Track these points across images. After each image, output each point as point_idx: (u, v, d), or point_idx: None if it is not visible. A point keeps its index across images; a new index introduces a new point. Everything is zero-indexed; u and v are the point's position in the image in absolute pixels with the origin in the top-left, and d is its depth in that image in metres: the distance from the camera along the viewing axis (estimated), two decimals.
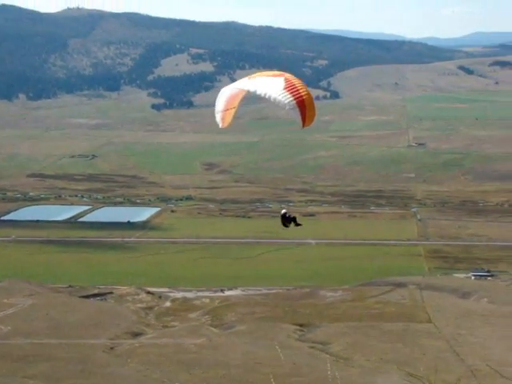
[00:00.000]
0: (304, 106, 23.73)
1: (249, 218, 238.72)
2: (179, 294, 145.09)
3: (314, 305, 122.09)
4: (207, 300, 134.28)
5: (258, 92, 24.36)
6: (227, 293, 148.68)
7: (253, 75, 26.02)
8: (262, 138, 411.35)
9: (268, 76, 24.80)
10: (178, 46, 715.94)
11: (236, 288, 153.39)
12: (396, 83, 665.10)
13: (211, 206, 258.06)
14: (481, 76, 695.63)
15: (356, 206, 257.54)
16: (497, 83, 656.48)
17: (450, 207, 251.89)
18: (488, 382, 68.57)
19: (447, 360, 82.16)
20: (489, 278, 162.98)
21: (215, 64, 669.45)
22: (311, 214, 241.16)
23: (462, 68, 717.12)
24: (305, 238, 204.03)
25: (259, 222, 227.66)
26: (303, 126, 24.46)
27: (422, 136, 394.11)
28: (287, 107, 23.80)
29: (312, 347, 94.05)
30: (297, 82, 24.06)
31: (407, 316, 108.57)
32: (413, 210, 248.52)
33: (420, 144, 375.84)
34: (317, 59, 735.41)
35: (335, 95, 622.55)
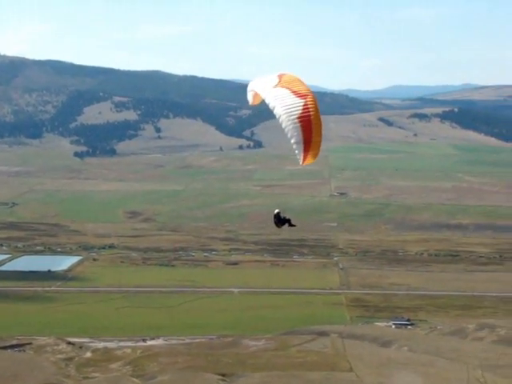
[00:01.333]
0: (309, 144, 23.61)
1: (172, 266, 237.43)
2: (100, 345, 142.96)
3: (236, 354, 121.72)
4: (129, 350, 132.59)
5: (275, 111, 24.75)
6: (149, 342, 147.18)
7: (283, 80, 25.49)
8: (185, 186, 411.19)
9: (291, 92, 24.61)
10: (101, 93, 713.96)
11: (158, 338, 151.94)
12: None
13: (134, 254, 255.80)
14: (400, 128, 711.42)
15: (279, 254, 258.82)
16: (415, 135, 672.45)
17: (371, 256, 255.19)
18: None
19: None
20: (409, 327, 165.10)
21: (139, 112, 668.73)
22: (234, 263, 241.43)
23: (382, 120, 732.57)
24: (228, 286, 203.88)
25: (182, 271, 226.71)
26: (302, 163, 24.42)
27: (344, 186, 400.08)
28: (293, 142, 23.84)
29: None
30: (313, 112, 23.89)
31: (329, 365, 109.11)
32: (335, 258, 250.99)
33: (342, 194, 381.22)
34: (240, 109, 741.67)
35: (258, 145, 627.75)
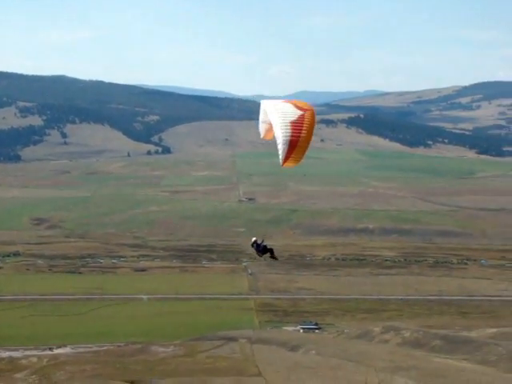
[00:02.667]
0: (293, 147, 23.41)
1: (79, 273, 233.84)
2: (5, 354, 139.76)
3: (145, 361, 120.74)
4: (35, 359, 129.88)
5: (272, 120, 24.23)
6: (56, 351, 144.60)
7: (284, 102, 25.47)
8: (92, 192, 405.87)
9: (293, 107, 24.63)
10: (5, 98, 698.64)
11: (65, 346, 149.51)
12: (226, 139, 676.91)
13: (40, 261, 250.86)
14: None
15: (188, 260, 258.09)
16: (322, 141, 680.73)
17: (279, 261, 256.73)
18: None
19: None
20: (316, 331, 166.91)
21: (44, 118, 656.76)
22: (143, 269, 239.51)
23: None
24: (136, 293, 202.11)
25: (90, 278, 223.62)
26: (283, 164, 23.98)
27: (252, 191, 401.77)
28: (279, 142, 23.52)
29: None
30: (307, 121, 24.13)
31: (238, 370, 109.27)
32: (244, 264, 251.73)
33: (250, 199, 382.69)
34: (148, 114, 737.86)
35: (167, 150, 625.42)
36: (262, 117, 26.24)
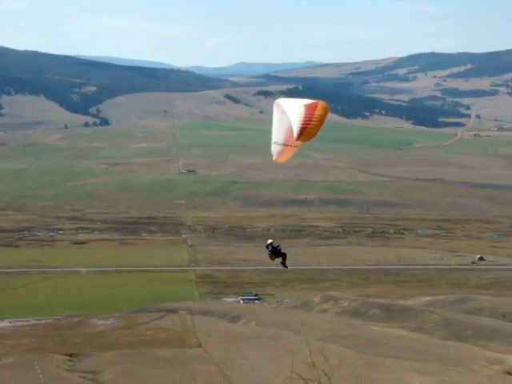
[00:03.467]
0: (306, 128, 23.52)
1: (16, 246, 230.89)
2: None
3: (84, 334, 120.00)
4: None
5: (290, 117, 23.80)
6: None
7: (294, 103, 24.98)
8: (29, 164, 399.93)
9: (305, 103, 24.19)
10: None
11: (2, 320, 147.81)
12: (165, 111, 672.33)
13: None
14: (247, 105, 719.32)
15: (127, 232, 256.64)
16: (261, 112, 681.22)
17: (219, 233, 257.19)
18: None
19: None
20: (256, 302, 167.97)
21: None
22: (82, 242, 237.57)
23: (228, 97, 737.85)
24: (75, 266, 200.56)
25: (27, 251, 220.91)
26: (297, 138, 23.53)
27: (192, 163, 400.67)
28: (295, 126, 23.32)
29: (83, 377, 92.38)
30: (319, 112, 23.95)
31: (178, 342, 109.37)
32: (183, 236, 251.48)
33: (190, 171, 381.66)
34: (85, 85, 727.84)
35: (105, 122, 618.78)
36: (282, 138, 25.46)
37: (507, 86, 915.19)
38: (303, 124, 23.56)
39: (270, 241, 30.79)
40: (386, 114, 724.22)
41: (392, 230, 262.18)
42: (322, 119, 24.20)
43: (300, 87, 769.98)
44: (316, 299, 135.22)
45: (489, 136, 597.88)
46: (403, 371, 57.86)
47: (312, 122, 23.81)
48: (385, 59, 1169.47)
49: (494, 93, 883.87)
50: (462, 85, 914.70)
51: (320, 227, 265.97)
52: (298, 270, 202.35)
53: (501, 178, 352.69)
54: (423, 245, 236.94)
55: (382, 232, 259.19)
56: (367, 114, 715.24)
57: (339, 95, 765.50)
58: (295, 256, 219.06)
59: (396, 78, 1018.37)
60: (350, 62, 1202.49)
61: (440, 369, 59.28)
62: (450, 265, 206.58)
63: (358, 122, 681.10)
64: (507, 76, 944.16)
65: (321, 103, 24.80)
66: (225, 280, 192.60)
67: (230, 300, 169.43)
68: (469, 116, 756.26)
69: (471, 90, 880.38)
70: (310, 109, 23.93)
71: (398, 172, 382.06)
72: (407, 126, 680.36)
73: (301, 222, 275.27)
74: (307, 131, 23.78)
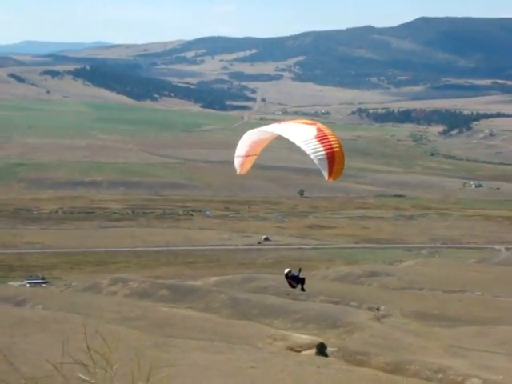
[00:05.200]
0: (333, 159, 22.10)
1: None
2: None
3: None
4: None
5: (288, 137, 22.68)
6: None
7: (284, 122, 24.33)
8: None
9: (301, 123, 23.32)
10: None
11: None
12: None
13: None
14: (32, 85, 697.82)
15: None
16: (48, 92, 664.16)
17: (4, 215, 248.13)
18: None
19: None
20: (44, 285, 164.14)
21: None
22: None
23: (12, 76, 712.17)
24: None
25: None
26: (328, 178, 22.36)
27: None
28: (315, 158, 22.03)
29: None
30: (329, 132, 22.54)
31: None
32: None
33: None
34: None
35: None
36: (244, 150, 24.96)
37: (290, 71, 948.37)
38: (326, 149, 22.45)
39: (287, 270, 29.55)
40: (175, 97, 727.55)
41: (181, 212, 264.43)
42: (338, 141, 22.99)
43: (88, 67, 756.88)
44: (105, 281, 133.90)
45: (274, 119, 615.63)
46: (191, 351, 58.64)
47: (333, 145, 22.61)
48: (172, 42, 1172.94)
49: (278, 77, 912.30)
50: (248, 69, 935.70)
51: (109, 209, 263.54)
52: (87, 252, 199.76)
53: (284, 160, 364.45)
54: (212, 226, 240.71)
55: (172, 214, 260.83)
56: (156, 96, 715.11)
57: (128, 77, 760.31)
58: (84, 238, 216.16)
59: (184, 60, 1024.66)
60: (139, 43, 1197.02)
61: (226, 347, 60.61)
62: (237, 245, 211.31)
63: (148, 104, 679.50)
64: (290, 61, 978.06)
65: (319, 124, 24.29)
66: (10, 263, 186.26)
67: (16, 284, 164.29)
68: (255, 99, 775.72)
69: (257, 74, 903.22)
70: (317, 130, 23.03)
71: (187, 154, 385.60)
72: (196, 108, 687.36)
73: (89, 204, 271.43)
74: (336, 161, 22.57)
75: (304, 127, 23.16)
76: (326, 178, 22.35)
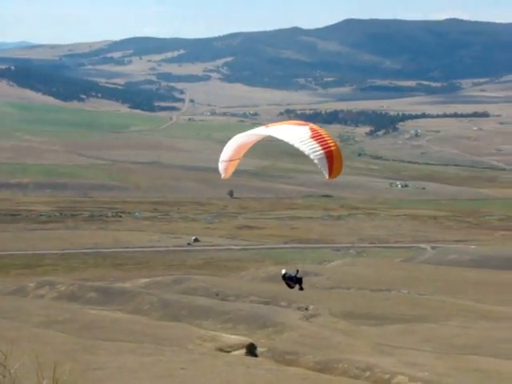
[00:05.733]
0: (332, 158, 22.21)
1: None
2: None
3: None
4: None
5: (283, 138, 22.34)
6: None
7: (274, 123, 23.97)
8: None
9: (291, 124, 23.07)
10: None
11: None
12: None
13: None
14: None
15: None
16: None
17: None
18: None
19: None
20: None
21: None
22: None
23: None
24: None
25: None
26: (329, 177, 22.54)
27: None
28: (315, 157, 22.03)
29: None
30: (323, 132, 22.53)
31: None
32: None
33: None
34: None
35: None
36: (228, 154, 24.30)
37: (218, 72, 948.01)
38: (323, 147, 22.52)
39: (284, 271, 29.51)
40: (103, 97, 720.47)
41: (110, 213, 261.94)
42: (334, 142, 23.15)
43: (12, 68, 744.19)
44: (32, 285, 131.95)
45: (202, 120, 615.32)
46: (119, 353, 58.24)
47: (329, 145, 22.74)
48: (99, 42, 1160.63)
49: (206, 78, 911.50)
50: (176, 69, 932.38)
51: (36, 211, 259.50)
52: (13, 255, 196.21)
53: (214, 161, 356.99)
54: (141, 227, 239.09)
55: (100, 215, 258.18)
56: (83, 96, 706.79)
57: (54, 77, 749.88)
58: (10, 241, 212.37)
59: (111, 61, 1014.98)
60: (64, 43, 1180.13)
61: (156, 349, 60.42)
62: (167, 246, 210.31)
63: (75, 104, 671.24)
64: (219, 62, 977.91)
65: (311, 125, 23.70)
66: None
67: None
68: (183, 100, 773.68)
69: (185, 74, 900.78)
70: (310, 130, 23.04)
71: (115, 155, 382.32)
72: (124, 109, 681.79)
73: (15, 207, 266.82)
74: (335, 161, 22.80)
75: (297, 128, 23.08)
76: (327, 177, 22.61)
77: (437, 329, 74.86)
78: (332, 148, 22.30)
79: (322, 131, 22.84)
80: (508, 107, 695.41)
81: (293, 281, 29.40)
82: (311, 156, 22.22)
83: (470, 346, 67.81)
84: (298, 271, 29.72)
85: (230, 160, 24.76)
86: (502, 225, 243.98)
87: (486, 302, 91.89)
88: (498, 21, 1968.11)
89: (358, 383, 55.34)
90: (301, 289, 29.93)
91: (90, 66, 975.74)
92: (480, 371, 59.54)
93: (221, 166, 24.89)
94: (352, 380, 55.95)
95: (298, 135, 22.61)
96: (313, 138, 22.39)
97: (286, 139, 22.80)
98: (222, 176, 25.14)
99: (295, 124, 23.66)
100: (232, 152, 24.62)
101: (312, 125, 23.30)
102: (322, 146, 22.24)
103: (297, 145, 22.45)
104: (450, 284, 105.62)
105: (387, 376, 56.49)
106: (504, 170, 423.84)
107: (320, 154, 22.13)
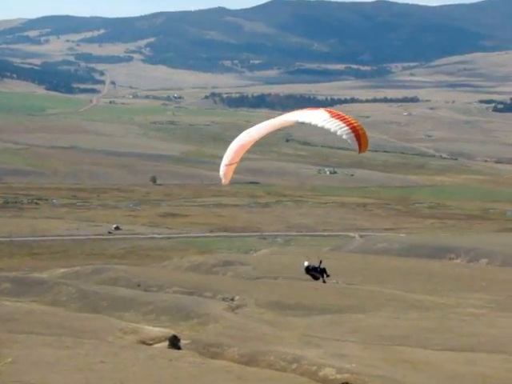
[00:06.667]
0: (358, 132, 22.60)
1: None
2: None
3: None
4: None
5: (306, 121, 23.06)
6: None
7: (289, 113, 25.31)
8: None
9: (306, 110, 23.86)
10: None
11: None
12: None
13: None
14: None
15: None
16: None
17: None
18: None
19: None
20: None
21: None
22: None
23: None
24: None
25: None
26: (360, 150, 22.88)
27: None
28: (343, 133, 22.54)
29: None
30: (339, 112, 23.30)
31: None
32: None
33: None
34: None
35: None
36: (230, 157, 25.48)
37: (141, 53, 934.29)
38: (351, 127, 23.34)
39: (306, 263, 29.27)
40: (18, 78, 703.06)
41: (25, 200, 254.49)
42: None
43: None
44: None
45: (124, 103, 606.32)
46: (35, 346, 55.83)
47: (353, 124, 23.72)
48: (14, 20, 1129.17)
49: (128, 59, 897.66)
50: (96, 50, 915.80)
51: None
52: None
53: (136, 146, 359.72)
54: (59, 215, 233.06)
55: (15, 202, 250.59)
56: None
57: None
58: None
59: (27, 40, 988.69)
60: None
61: (75, 342, 58.20)
62: (86, 235, 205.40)
63: None
64: (141, 43, 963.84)
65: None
66: None
67: None
68: (104, 82, 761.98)
69: (105, 55, 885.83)
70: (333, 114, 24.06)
71: (31, 139, 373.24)
72: (40, 91, 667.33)
73: None
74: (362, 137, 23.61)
75: (314, 111, 24.05)
76: (358, 151, 23.35)
77: (365, 319, 73.95)
78: (355, 124, 23.10)
79: (337, 112, 23.97)
80: (437, 92, 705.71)
81: (317, 272, 29.15)
82: (339, 132, 23.11)
83: (399, 337, 67.11)
84: (321, 262, 29.30)
85: (230, 164, 25.57)
86: (431, 212, 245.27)
87: (415, 291, 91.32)
88: (428, 3, 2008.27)
89: (285, 376, 54.27)
90: (324, 281, 29.51)
91: (3, 45, 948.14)
92: (408, 362, 59.01)
93: (222, 171, 25.49)
94: (279, 373, 54.94)
95: (319, 116, 23.51)
96: (333, 117, 23.36)
97: (310, 122, 23.72)
98: (223, 182, 25.79)
99: (310, 109, 24.66)
100: (233, 154, 25.64)
101: (324, 108, 24.18)
102: (345, 123, 23.06)
103: (322, 124, 23.28)
104: (379, 273, 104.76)
105: (314, 368, 55.44)
106: (433, 156, 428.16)
107: (347, 130, 22.96)
